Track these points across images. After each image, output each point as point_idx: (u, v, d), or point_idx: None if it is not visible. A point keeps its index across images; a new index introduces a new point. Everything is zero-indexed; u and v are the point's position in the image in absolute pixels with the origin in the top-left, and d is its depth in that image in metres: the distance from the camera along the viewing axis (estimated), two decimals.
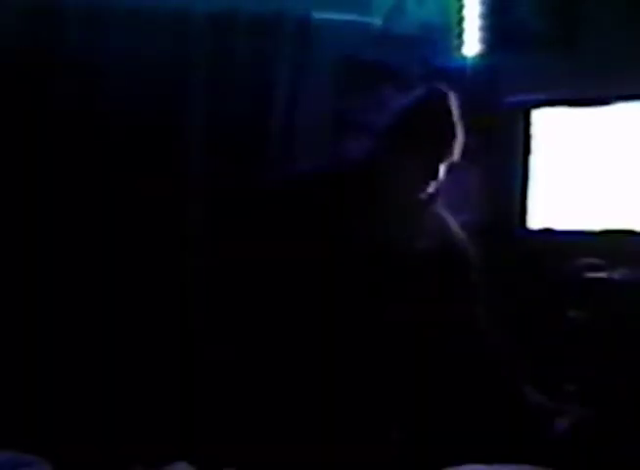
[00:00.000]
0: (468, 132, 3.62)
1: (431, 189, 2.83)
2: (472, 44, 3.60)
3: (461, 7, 3.59)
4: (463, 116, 3.60)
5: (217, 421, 2.92)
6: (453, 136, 2.81)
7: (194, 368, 3.30)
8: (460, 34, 3.59)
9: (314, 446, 2.49)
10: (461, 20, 3.59)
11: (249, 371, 2.77)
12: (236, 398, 2.75)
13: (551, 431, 2.81)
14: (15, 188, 3.36)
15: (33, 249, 3.35)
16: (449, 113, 2.82)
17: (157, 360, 3.32)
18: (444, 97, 2.81)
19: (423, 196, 2.81)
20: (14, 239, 3.34)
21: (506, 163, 3.46)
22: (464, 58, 3.60)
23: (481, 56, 3.59)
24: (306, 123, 3.51)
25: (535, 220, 3.38)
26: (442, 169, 2.83)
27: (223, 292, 3.12)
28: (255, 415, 2.65)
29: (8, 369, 3.26)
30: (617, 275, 2.97)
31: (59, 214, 3.36)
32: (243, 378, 2.77)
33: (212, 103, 3.49)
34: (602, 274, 3.02)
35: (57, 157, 3.38)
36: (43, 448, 1.99)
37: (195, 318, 3.40)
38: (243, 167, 3.48)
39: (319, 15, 3.50)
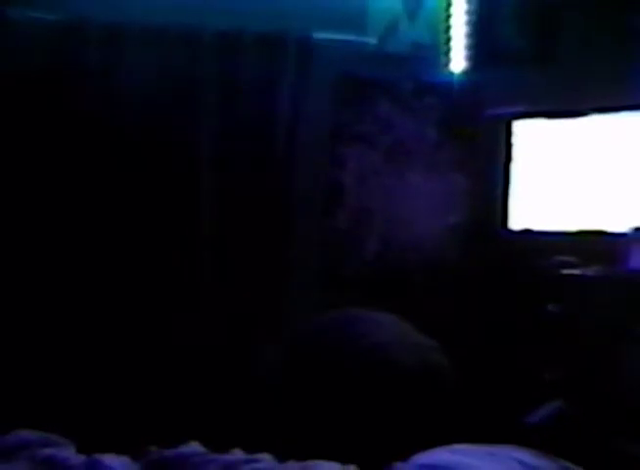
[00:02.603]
0: (454, 141, 3.63)
1: None
2: (458, 61, 3.60)
3: (448, 27, 3.58)
4: (450, 126, 3.62)
5: (227, 404, 2.91)
6: None
7: (203, 356, 3.30)
8: (447, 52, 3.59)
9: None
10: (448, 39, 3.59)
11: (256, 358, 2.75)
12: (243, 381, 2.73)
13: (530, 417, 2.81)
14: (36, 194, 3.35)
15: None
16: None
17: (169, 348, 3.31)
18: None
19: None
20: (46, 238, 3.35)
21: (489, 169, 3.45)
22: (451, 74, 3.60)
23: (467, 72, 3.59)
24: (307, 134, 3.51)
25: (516, 222, 3.38)
26: None
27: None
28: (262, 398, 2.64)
29: (34, 357, 3.26)
30: (589, 272, 2.97)
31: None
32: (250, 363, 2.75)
33: (220, 115, 3.48)
34: (576, 271, 3.02)
35: (74, 165, 3.38)
36: (67, 430, 1.99)
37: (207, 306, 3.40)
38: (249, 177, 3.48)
39: (319, 35, 3.50)
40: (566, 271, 3.04)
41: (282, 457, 1.26)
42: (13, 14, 3.37)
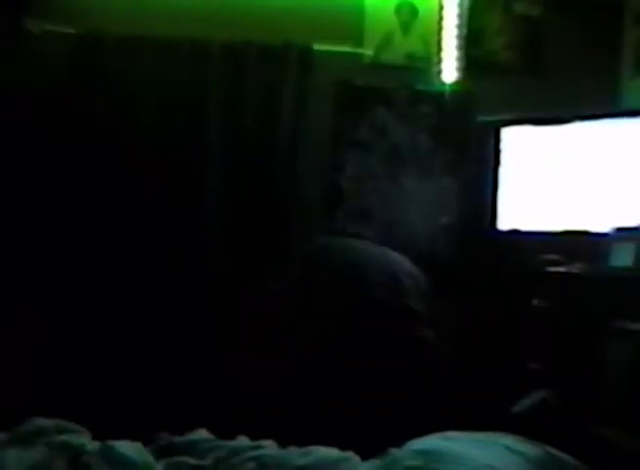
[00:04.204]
0: (446, 147, 3.63)
1: None
2: (450, 71, 3.60)
3: (440, 40, 3.59)
4: (442, 133, 3.62)
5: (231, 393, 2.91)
6: None
7: (211, 345, 3.30)
8: (440, 63, 3.59)
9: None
10: (440, 50, 3.59)
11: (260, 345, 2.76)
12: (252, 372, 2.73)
13: (517, 406, 2.81)
14: (56, 201, 3.35)
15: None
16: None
17: (176, 342, 3.31)
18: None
19: None
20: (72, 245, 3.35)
21: (479, 173, 3.46)
22: (443, 83, 3.60)
23: (458, 82, 3.60)
24: (308, 140, 3.51)
25: (504, 222, 3.38)
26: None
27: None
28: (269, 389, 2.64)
29: (49, 349, 3.26)
30: (574, 269, 2.97)
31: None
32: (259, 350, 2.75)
33: (226, 121, 3.48)
34: (561, 268, 3.02)
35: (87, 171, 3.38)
36: (83, 418, 1.99)
37: (212, 302, 3.40)
38: (252, 178, 3.48)
39: (319, 46, 3.51)
40: (551, 269, 3.05)
41: (284, 443, 1.27)
42: (31, 26, 3.37)
